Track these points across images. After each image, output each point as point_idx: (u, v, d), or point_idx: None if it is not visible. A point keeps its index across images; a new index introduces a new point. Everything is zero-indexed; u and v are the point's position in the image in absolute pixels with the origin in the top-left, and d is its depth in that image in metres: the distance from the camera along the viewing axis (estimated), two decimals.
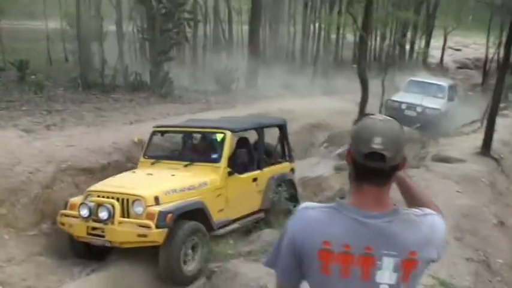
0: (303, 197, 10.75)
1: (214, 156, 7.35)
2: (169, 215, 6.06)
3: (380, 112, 16.37)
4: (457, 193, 6.76)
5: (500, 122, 11.81)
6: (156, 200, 6.22)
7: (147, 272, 6.24)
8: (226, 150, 7.23)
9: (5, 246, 6.58)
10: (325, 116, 14.56)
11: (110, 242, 6.19)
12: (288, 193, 7.87)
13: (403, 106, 16.25)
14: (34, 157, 7.68)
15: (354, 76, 24.33)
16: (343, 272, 1.78)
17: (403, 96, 16.75)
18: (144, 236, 5.98)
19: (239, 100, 14.62)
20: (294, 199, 8.10)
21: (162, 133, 8.08)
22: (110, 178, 7.07)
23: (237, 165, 7.35)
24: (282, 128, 8.64)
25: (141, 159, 7.67)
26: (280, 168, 8.36)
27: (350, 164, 1.84)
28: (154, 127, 8.08)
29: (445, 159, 9.24)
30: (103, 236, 6.19)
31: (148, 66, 14.47)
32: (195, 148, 7.94)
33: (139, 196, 6.20)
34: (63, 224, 6.57)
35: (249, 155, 7.65)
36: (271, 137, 8.85)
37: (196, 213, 6.47)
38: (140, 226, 6.02)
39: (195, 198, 6.60)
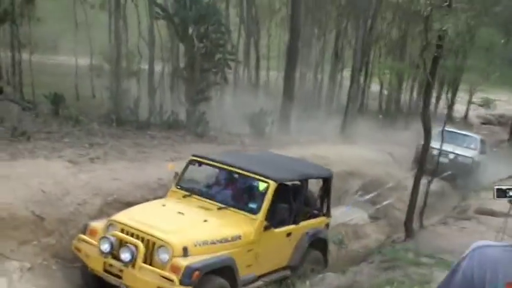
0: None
1: (253, 206, 6.76)
2: (196, 273, 5.54)
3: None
4: None
5: None
6: (185, 251, 5.69)
7: None
8: (267, 203, 6.58)
9: (53, 277, 6.51)
10: (358, 164, 14.45)
11: (126, 286, 5.73)
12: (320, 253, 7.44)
13: (435, 152, 16.08)
14: (81, 189, 7.69)
15: (380, 126, 24.51)
16: None
17: (435, 144, 16.61)
18: None
19: (272, 144, 14.55)
20: (324, 258, 7.57)
21: (200, 164, 7.40)
22: (136, 207, 6.67)
23: (274, 220, 6.74)
24: (327, 180, 7.94)
25: (173, 188, 7.18)
26: (317, 223, 7.67)
27: None
28: (192, 155, 7.52)
29: (489, 213, 9.07)
30: (120, 277, 5.74)
31: (183, 105, 14.54)
32: (233, 188, 7.33)
33: (167, 243, 5.69)
34: (79, 250, 6.13)
35: (288, 209, 6.93)
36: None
37: (223, 269, 5.97)
38: (162, 277, 5.50)
39: (226, 252, 6.05)
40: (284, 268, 7.04)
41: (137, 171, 8.78)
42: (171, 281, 5.39)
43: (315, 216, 7.70)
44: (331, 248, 9.05)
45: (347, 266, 6.25)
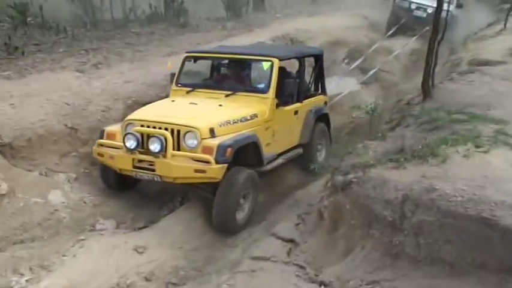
0: (340, 114, 11.18)
1: (261, 85, 6.79)
2: (229, 149, 5.59)
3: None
4: None
5: None
6: (211, 132, 5.74)
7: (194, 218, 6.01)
8: (274, 80, 6.60)
9: (96, 183, 6.76)
10: (340, 32, 14.61)
11: (161, 176, 5.71)
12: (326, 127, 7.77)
13: (413, 6, 16.17)
14: (100, 96, 7.73)
15: None
16: None
17: None
18: (202, 171, 5.51)
19: (253, 24, 14.52)
20: (328, 134, 8.00)
21: (195, 59, 7.33)
22: (147, 107, 6.59)
23: (283, 97, 6.82)
24: (319, 57, 7.91)
25: (173, 87, 7.09)
26: (316, 101, 7.79)
27: None
28: (186, 52, 7.40)
29: (484, 63, 9.43)
30: (153, 170, 5.71)
31: None
32: (234, 75, 7.30)
33: (194, 127, 5.67)
34: (101, 155, 6.10)
35: (293, 84, 6.99)
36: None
37: (247, 148, 5.98)
38: (196, 161, 5.55)
39: (248, 130, 6.11)
40: (296, 147, 7.24)
41: (143, 71, 8.78)
42: (207, 162, 5.47)
43: (312, 95, 7.79)
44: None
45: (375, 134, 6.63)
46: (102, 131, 6.28)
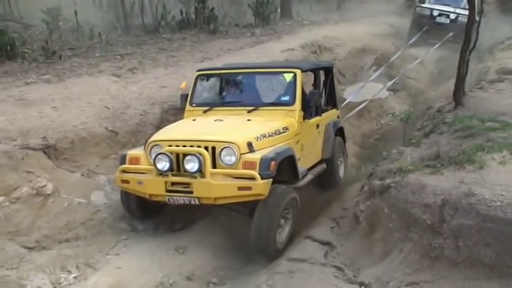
0: (368, 120, 11.30)
1: (285, 98, 6.37)
2: (273, 162, 5.21)
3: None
4: None
5: None
6: (250, 147, 5.35)
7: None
8: (299, 91, 6.27)
9: None
10: (367, 40, 14.73)
11: (199, 198, 5.25)
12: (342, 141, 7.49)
13: (435, 13, 16.10)
14: (138, 100, 7.99)
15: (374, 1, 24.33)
16: None
17: (433, 5, 16.63)
18: (248, 188, 5.08)
19: (281, 31, 14.72)
20: (344, 148, 7.72)
21: (208, 77, 6.95)
22: (169, 127, 6.19)
23: (308, 109, 6.49)
24: (329, 71, 7.57)
25: (188, 107, 6.66)
26: (331, 114, 7.43)
27: None
28: (198, 71, 6.98)
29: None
30: (189, 192, 5.26)
31: (186, 4, 14.45)
32: (252, 90, 6.77)
33: (231, 143, 5.27)
34: (126, 182, 5.60)
35: (319, 94, 6.65)
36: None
37: (282, 163, 5.49)
38: (238, 178, 5.15)
39: (283, 144, 5.75)
40: (320, 162, 6.90)
41: (178, 76, 9.01)
42: (251, 178, 5.08)
43: (326, 110, 7.39)
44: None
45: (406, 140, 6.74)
46: (124, 156, 5.82)
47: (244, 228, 6.00)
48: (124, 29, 14.80)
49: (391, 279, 4.28)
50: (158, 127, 7.71)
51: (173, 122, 7.61)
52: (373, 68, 13.67)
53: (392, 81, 12.35)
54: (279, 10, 16.98)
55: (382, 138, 9.81)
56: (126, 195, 5.92)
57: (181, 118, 6.74)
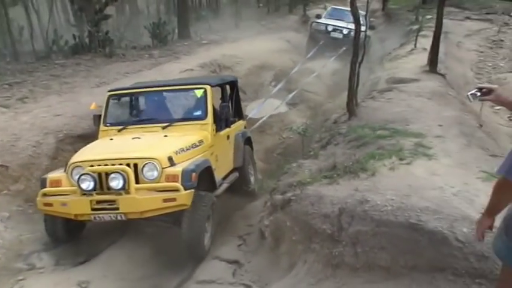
0: (271, 135, 11.49)
1: (198, 113, 6.73)
2: (194, 174, 5.55)
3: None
4: (438, 106, 7.64)
5: (423, 41, 13.01)
6: (171, 161, 5.63)
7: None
8: (210, 106, 6.65)
9: (32, 220, 6.61)
10: (266, 56, 15.05)
11: (125, 214, 5.43)
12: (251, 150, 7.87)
13: (330, 28, 16.89)
14: (29, 131, 7.63)
15: (266, 14, 24.87)
16: None
17: (327, 21, 17.43)
18: (172, 199, 5.37)
19: (179, 51, 14.69)
20: (253, 156, 8.12)
21: (119, 97, 7.10)
22: (88, 147, 6.22)
23: (220, 121, 6.88)
24: (235, 84, 7.93)
25: (102, 127, 6.78)
26: (238, 126, 7.84)
27: None
28: (109, 91, 7.15)
29: (401, 81, 10.09)
30: (115, 209, 5.42)
31: (80, 28, 14.07)
32: (163, 108, 7.08)
33: (153, 158, 5.52)
34: (49, 205, 5.64)
35: (228, 108, 7.06)
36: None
37: (201, 174, 5.82)
38: (162, 191, 5.41)
39: (200, 156, 6.11)
40: (232, 171, 7.26)
41: (73, 103, 8.71)
42: (176, 190, 5.36)
43: (233, 121, 7.71)
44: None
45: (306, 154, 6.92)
46: (44, 180, 5.82)
47: (150, 257, 5.90)
48: (12, 56, 14.13)
49: None
50: (54, 158, 7.44)
51: (70, 151, 7.48)
52: (273, 83, 13.98)
53: (291, 95, 12.69)
54: (176, 30, 16.93)
55: (285, 153, 9.99)
56: (51, 220, 5.93)
57: (79, 146, 6.68)
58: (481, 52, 15.12)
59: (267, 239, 5.32)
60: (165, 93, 7.17)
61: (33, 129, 7.66)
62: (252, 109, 11.63)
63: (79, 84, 10.22)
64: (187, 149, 6.00)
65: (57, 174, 5.89)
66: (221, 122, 6.93)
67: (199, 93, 6.84)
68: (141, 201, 5.39)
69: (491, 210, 2.82)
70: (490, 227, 2.90)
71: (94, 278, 5.46)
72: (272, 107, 12.02)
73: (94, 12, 13.44)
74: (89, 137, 7.89)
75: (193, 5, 23.56)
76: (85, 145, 6.40)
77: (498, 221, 2.88)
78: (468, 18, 19.63)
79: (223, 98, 7.40)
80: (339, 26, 16.80)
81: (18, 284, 5.39)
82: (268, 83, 14.03)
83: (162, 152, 5.70)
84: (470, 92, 3.05)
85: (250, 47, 15.58)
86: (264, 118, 11.14)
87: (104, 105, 6.94)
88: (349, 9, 18.49)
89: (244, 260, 5.40)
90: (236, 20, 21.30)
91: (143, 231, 6.14)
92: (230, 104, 7.64)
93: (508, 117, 9.34)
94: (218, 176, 6.52)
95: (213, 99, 6.83)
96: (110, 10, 16.67)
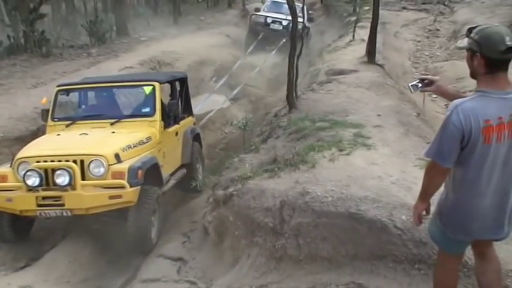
0: (213, 131, 11.49)
1: (146, 110, 6.79)
2: (140, 171, 5.64)
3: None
4: (377, 96, 7.85)
5: (362, 32, 13.30)
6: (117, 158, 5.70)
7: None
8: (159, 103, 6.71)
9: None
10: (205, 52, 14.99)
11: (71, 210, 5.48)
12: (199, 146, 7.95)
13: (269, 20, 16.98)
14: None
15: (205, 10, 24.75)
16: (498, 138, 2.57)
17: (266, 13, 17.52)
18: (118, 196, 5.46)
19: (118, 49, 14.46)
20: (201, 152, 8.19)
21: (68, 92, 7.10)
22: (34, 143, 6.23)
23: (168, 118, 6.96)
24: (184, 81, 8.01)
25: (50, 123, 6.76)
26: (187, 122, 7.89)
27: (480, 64, 2.57)
28: (58, 86, 7.16)
29: (340, 72, 10.28)
30: (61, 205, 5.46)
31: (14, 28, 13.57)
32: (113, 103, 7.15)
33: (99, 155, 5.59)
34: None
35: (177, 105, 7.21)
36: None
37: (148, 170, 5.92)
38: (108, 188, 5.51)
39: (147, 153, 6.18)
40: (180, 167, 7.30)
41: (9, 105, 8.50)
42: (121, 187, 5.46)
43: (182, 118, 7.77)
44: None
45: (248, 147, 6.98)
46: None
47: (93, 258, 5.82)
48: None
49: (242, 285, 4.37)
50: None
51: (7, 154, 7.30)
52: (214, 79, 13.98)
53: (236, 91, 12.72)
54: (114, 28, 16.62)
55: (227, 148, 10.01)
56: None
57: (17, 149, 6.57)
58: (418, 41, 15.64)
59: (210, 234, 5.34)
60: (114, 89, 7.26)
61: None
62: (195, 106, 11.61)
63: (15, 85, 9.95)
64: (134, 146, 6.07)
65: (2, 169, 5.89)
66: (170, 118, 7.02)
67: (148, 90, 6.94)
68: (87, 198, 5.45)
69: (424, 194, 2.93)
70: (427, 211, 2.99)
71: (36, 282, 5.33)
72: (214, 103, 12.04)
73: (28, 11, 13.01)
74: (27, 139, 7.73)
75: (131, 2, 23.22)
76: (22, 148, 6.24)
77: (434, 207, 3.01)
78: (405, 8, 20.29)
79: (172, 95, 7.49)
80: (278, 18, 16.93)
81: None
82: (209, 78, 14.01)
83: (109, 148, 5.76)
84: (412, 83, 3.13)
85: (189, 42, 15.49)
86: (211, 114, 11.13)
87: (52, 100, 6.92)
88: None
89: (188, 257, 5.41)
90: (175, 16, 21.07)
91: (87, 229, 6.10)
92: (180, 100, 7.80)
93: (445, 104, 9.70)
94: (165, 172, 6.62)
95: (162, 96, 6.92)
96: (45, 9, 16.24)
